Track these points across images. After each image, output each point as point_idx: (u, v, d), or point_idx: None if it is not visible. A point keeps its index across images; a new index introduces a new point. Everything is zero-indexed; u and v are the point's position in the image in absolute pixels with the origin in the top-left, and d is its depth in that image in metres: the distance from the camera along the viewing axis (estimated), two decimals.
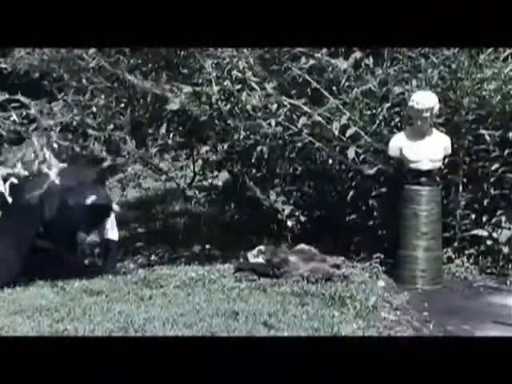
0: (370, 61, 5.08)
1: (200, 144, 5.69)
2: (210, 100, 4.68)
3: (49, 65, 5.14)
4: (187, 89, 4.69)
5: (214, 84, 4.67)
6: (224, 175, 5.99)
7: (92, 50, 4.99)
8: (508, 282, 4.62)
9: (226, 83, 4.67)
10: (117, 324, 3.34)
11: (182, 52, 5.11)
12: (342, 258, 4.56)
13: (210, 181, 5.92)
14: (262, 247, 4.52)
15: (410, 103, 4.57)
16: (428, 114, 4.53)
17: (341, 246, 4.95)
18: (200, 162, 5.85)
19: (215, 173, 5.91)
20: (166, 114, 4.81)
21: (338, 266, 4.41)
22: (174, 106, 4.61)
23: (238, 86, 4.68)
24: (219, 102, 4.67)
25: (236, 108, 4.69)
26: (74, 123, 5.06)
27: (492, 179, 4.90)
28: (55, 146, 4.84)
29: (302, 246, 4.60)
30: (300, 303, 3.77)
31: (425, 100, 4.50)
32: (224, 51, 4.70)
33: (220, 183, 5.99)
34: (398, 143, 4.65)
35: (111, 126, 5.03)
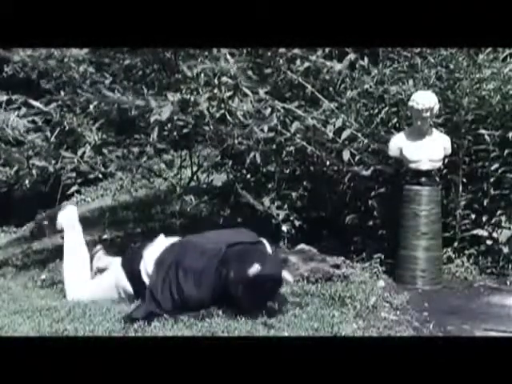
0: (365, 62, 5.10)
1: (192, 150, 5.69)
2: (200, 107, 4.62)
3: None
4: (177, 96, 4.65)
5: (203, 91, 4.63)
6: (220, 178, 5.99)
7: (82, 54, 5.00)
8: (508, 282, 4.63)
9: (216, 90, 4.63)
10: (117, 324, 3.34)
11: (172, 57, 5.09)
12: (342, 258, 4.55)
13: (204, 186, 5.91)
14: None
15: (410, 103, 4.57)
16: (428, 114, 4.53)
17: (341, 246, 4.95)
18: (194, 167, 5.84)
19: (210, 177, 5.91)
20: (155, 122, 4.74)
21: (337, 266, 4.40)
22: (164, 114, 4.54)
23: (230, 93, 4.65)
24: (210, 109, 4.64)
25: (228, 115, 4.64)
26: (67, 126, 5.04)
27: (492, 179, 4.90)
28: None
29: (302, 245, 4.59)
30: (300, 303, 3.77)
31: (425, 100, 4.51)
32: (214, 56, 4.67)
33: (219, 183, 5.99)
34: (398, 143, 4.66)
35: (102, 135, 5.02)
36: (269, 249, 3.72)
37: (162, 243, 3.83)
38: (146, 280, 3.66)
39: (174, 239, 3.88)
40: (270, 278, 3.44)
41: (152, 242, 3.88)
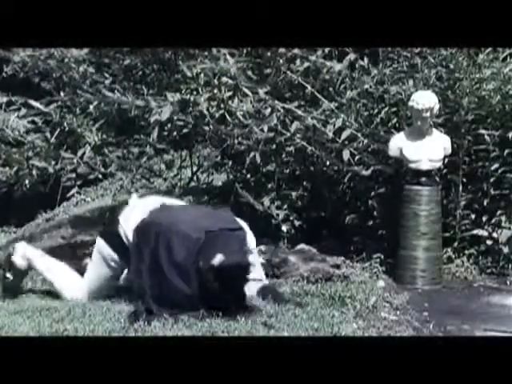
0: (365, 62, 5.10)
1: (192, 150, 5.69)
2: (200, 107, 4.61)
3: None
4: (177, 97, 4.64)
5: (203, 91, 4.62)
6: (220, 178, 5.98)
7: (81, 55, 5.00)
8: (508, 282, 4.63)
9: (215, 90, 4.62)
10: (117, 324, 3.34)
11: (172, 57, 5.08)
12: (342, 258, 4.55)
13: (204, 186, 5.90)
14: (262, 247, 4.51)
15: (410, 103, 4.57)
16: (428, 114, 4.54)
17: (341, 246, 4.95)
18: (194, 167, 5.84)
19: (210, 177, 5.91)
20: (155, 122, 4.73)
21: (337, 266, 4.40)
22: (164, 115, 4.52)
23: (229, 93, 4.64)
24: (210, 109, 4.63)
25: (227, 115, 4.64)
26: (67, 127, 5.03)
27: (492, 179, 4.90)
28: None
29: (302, 245, 4.59)
30: (300, 303, 3.76)
31: (425, 100, 4.51)
32: (214, 56, 4.67)
33: (219, 183, 5.99)
34: (398, 143, 4.66)
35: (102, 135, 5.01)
36: (249, 235, 3.69)
37: (135, 205, 3.81)
38: (127, 243, 3.65)
39: (149, 200, 3.87)
40: (233, 267, 3.44)
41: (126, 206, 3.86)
